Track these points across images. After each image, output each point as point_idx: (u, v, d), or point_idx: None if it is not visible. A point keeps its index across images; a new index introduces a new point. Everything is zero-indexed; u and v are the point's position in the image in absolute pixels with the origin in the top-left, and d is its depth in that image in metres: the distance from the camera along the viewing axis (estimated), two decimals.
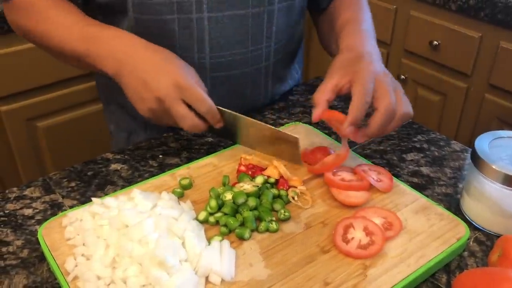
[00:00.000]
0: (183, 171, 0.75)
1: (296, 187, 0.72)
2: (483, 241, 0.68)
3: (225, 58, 0.86)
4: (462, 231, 0.65)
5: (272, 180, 0.72)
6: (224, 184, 0.72)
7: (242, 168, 0.74)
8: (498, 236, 0.68)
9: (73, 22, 0.76)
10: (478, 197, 0.68)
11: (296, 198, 0.70)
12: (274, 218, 0.66)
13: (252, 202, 0.67)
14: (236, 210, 0.66)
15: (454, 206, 0.73)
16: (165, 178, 0.74)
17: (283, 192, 0.70)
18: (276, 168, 0.73)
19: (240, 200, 0.67)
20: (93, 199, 0.65)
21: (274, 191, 0.70)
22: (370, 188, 0.71)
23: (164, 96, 0.68)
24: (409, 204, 0.70)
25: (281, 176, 0.73)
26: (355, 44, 0.77)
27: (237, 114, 0.74)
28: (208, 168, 0.76)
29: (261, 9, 0.85)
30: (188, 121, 0.70)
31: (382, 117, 0.66)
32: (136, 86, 0.70)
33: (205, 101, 0.69)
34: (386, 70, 0.72)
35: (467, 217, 0.71)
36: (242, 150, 0.80)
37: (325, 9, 0.98)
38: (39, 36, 0.79)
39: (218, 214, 0.66)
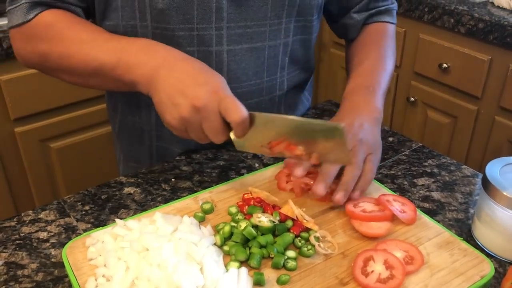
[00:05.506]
0: (205, 195, 0.76)
1: (309, 231, 0.68)
2: (496, 268, 0.67)
3: (241, 89, 0.87)
4: (487, 268, 0.63)
5: (290, 223, 0.69)
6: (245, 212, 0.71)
7: (250, 200, 0.73)
8: (511, 263, 0.68)
9: (99, 37, 0.75)
10: (489, 223, 0.68)
11: (321, 245, 0.66)
12: (293, 255, 0.64)
13: (263, 241, 0.65)
14: (247, 240, 0.66)
15: (465, 231, 0.73)
16: (187, 201, 0.74)
17: (301, 238, 0.67)
18: (292, 208, 0.70)
19: (252, 236, 0.65)
20: (117, 220, 0.66)
21: (291, 235, 0.67)
22: (393, 219, 0.70)
23: (203, 106, 0.66)
24: (432, 238, 0.68)
25: (295, 219, 0.69)
26: (354, 106, 0.83)
27: (274, 115, 0.69)
28: (230, 193, 0.76)
29: (277, 42, 0.87)
30: (221, 136, 0.68)
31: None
32: (171, 92, 0.68)
33: (241, 112, 0.67)
34: (375, 130, 0.79)
35: (478, 243, 0.71)
36: (262, 177, 0.80)
37: (354, 39, 1.01)
38: (56, 57, 0.76)
39: (230, 242, 0.66)
